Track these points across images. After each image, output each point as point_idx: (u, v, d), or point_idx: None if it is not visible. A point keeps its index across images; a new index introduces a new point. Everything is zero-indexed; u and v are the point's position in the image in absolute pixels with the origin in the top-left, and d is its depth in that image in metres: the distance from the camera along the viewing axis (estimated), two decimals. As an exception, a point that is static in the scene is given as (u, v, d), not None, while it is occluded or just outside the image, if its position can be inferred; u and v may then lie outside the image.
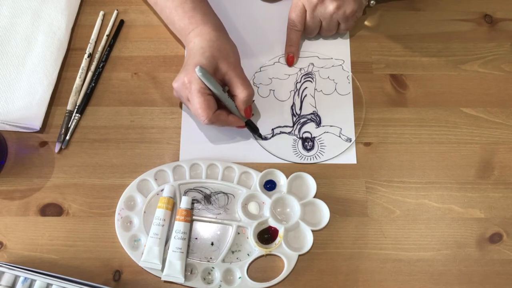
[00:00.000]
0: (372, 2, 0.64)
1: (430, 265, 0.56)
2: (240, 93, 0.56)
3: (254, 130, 0.61)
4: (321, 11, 0.61)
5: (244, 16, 0.68)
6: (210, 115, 0.55)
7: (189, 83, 0.54)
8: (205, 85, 0.54)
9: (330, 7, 0.60)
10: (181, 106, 0.64)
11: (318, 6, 0.61)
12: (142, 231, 0.57)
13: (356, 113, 0.63)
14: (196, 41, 0.57)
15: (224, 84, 0.57)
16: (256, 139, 0.62)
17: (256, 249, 0.56)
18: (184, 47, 0.66)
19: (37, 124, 0.61)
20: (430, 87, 0.64)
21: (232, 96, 0.57)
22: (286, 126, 0.63)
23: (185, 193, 0.59)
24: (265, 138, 0.62)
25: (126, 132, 0.62)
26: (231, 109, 0.58)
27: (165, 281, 0.55)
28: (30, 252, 0.57)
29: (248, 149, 0.62)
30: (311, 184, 0.59)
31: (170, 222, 0.57)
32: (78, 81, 0.64)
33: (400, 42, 0.66)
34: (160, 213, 0.56)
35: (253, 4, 0.69)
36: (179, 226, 0.55)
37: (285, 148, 0.61)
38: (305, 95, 0.64)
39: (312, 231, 0.57)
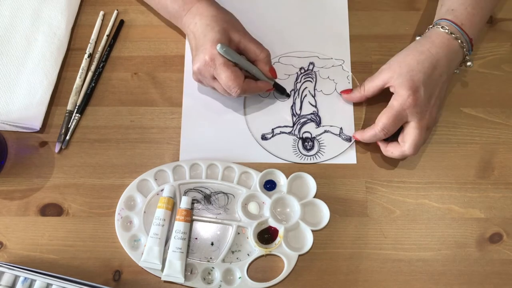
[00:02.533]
0: (469, 63, 0.60)
1: (430, 265, 0.56)
2: (260, 54, 0.57)
3: (282, 91, 0.63)
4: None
5: (244, 17, 0.68)
6: (241, 84, 0.56)
7: (211, 60, 0.55)
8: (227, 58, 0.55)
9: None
10: (181, 106, 0.64)
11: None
12: (142, 231, 0.57)
13: (356, 113, 0.63)
14: (197, 20, 0.57)
15: (240, 53, 0.58)
16: (280, 99, 0.64)
17: (256, 249, 0.56)
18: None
19: (37, 124, 0.61)
20: (430, 87, 0.64)
21: (252, 62, 0.59)
22: (286, 126, 0.63)
23: (185, 193, 0.59)
24: (265, 138, 0.62)
25: (126, 132, 0.62)
26: (256, 75, 0.59)
27: (165, 281, 0.55)
28: (30, 252, 0.57)
29: (248, 149, 0.62)
30: (311, 184, 0.59)
31: (170, 222, 0.57)
32: (78, 81, 0.64)
33: (400, 42, 0.66)
34: (160, 213, 0.56)
35: (253, 4, 0.69)
36: (179, 226, 0.55)
37: (285, 148, 0.61)
38: (305, 95, 0.64)
39: (312, 231, 0.57)
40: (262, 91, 0.60)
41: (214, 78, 0.57)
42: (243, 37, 0.57)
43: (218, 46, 0.54)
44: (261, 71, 0.59)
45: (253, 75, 0.58)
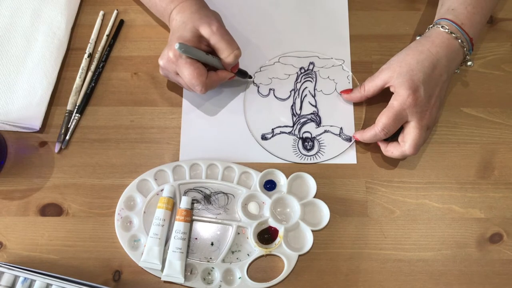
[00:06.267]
0: (469, 63, 0.60)
1: (430, 265, 0.56)
2: (226, 57, 0.57)
3: (244, 75, 0.63)
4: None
5: (244, 16, 0.68)
6: (204, 81, 0.56)
7: (174, 57, 0.55)
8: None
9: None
10: (181, 106, 0.64)
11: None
12: (142, 231, 0.57)
13: (356, 113, 0.63)
14: (178, 17, 0.58)
15: (211, 49, 0.58)
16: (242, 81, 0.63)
17: (256, 249, 0.56)
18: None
19: (37, 124, 0.61)
20: (430, 87, 0.64)
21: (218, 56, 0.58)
22: (286, 126, 0.63)
23: (185, 193, 0.59)
24: (265, 138, 0.62)
25: (126, 132, 0.62)
26: (217, 67, 0.59)
27: (165, 281, 0.55)
28: (30, 252, 0.57)
29: (248, 149, 0.61)
30: (311, 184, 0.59)
31: (170, 222, 0.57)
32: (78, 81, 0.64)
33: (400, 42, 0.66)
34: (160, 213, 0.56)
35: (253, 4, 0.69)
36: (179, 226, 0.55)
37: (285, 148, 0.61)
38: (305, 95, 0.64)
39: (312, 231, 0.57)
40: (225, 80, 0.60)
41: (178, 74, 0.57)
42: (214, 34, 0.56)
43: (177, 45, 0.53)
44: (223, 66, 0.59)
45: (215, 66, 0.59)
